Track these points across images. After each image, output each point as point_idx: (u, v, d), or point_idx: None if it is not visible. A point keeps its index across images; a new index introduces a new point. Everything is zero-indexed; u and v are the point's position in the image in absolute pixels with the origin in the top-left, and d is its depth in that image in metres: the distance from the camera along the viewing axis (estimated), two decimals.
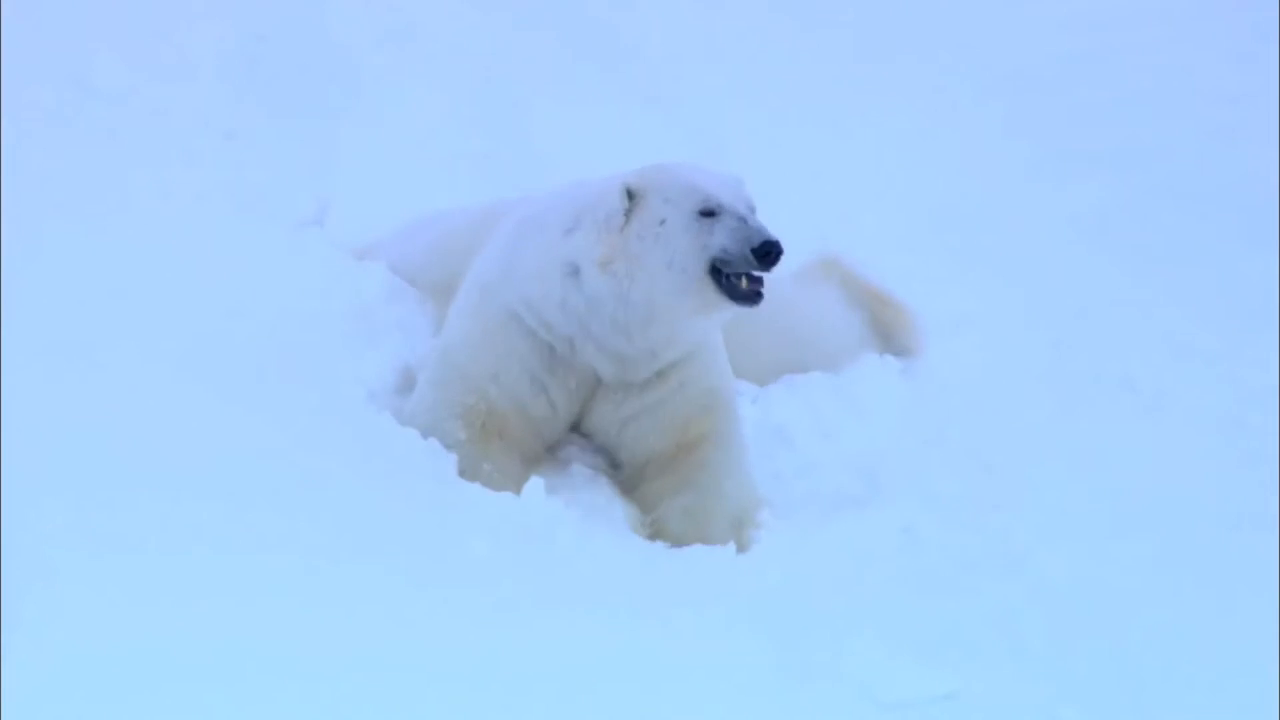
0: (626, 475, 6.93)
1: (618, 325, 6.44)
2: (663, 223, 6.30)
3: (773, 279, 6.54)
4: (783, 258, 6.30)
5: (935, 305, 9.24)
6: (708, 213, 6.31)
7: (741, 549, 6.80)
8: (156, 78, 10.18)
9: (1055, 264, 10.05)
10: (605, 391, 6.66)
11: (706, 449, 6.79)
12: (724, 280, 6.29)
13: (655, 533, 6.87)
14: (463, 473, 6.68)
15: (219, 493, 6.20)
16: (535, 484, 6.63)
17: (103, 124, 9.57)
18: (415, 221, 8.34)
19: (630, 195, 6.34)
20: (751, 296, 6.32)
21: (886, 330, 8.49)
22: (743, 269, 6.26)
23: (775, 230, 6.34)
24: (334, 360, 7.66)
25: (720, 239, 6.26)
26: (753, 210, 6.38)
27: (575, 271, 6.43)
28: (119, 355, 7.13)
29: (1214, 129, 11.40)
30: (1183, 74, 12.02)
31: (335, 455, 6.86)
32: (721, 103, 11.61)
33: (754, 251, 6.22)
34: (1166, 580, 7.03)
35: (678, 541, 6.79)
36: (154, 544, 5.72)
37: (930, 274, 9.74)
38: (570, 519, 6.76)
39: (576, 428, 6.91)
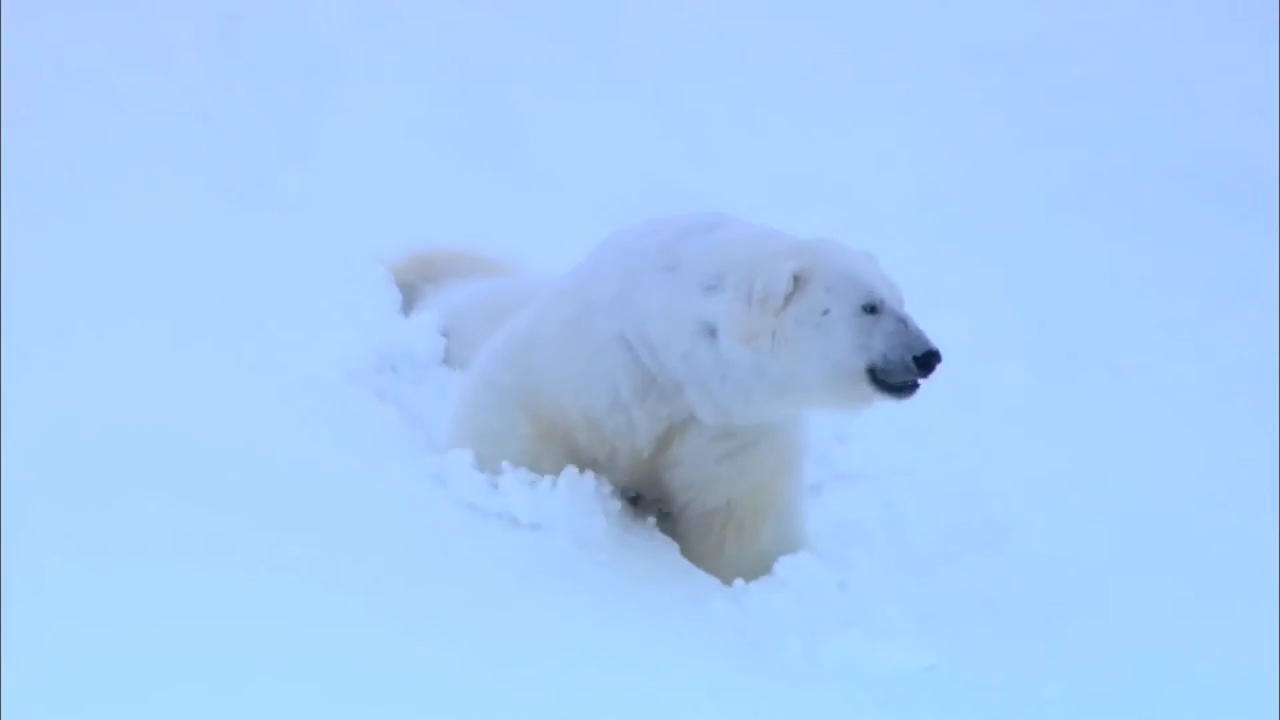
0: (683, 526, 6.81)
1: (741, 390, 6.30)
2: (826, 313, 6.19)
3: None
4: (940, 365, 6.27)
5: (913, 283, 9.22)
6: (870, 308, 6.27)
7: None
8: (134, 60, 10.14)
9: (1034, 241, 10.06)
10: (697, 423, 6.59)
11: (766, 531, 6.69)
12: (877, 378, 6.27)
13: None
14: (507, 456, 6.54)
15: (199, 480, 6.19)
16: (570, 473, 6.58)
17: (81, 106, 9.54)
18: (466, 299, 8.15)
19: (794, 279, 6.29)
20: (907, 388, 6.27)
21: None
22: (901, 376, 6.22)
23: (931, 335, 6.28)
24: (314, 340, 7.66)
25: (880, 344, 6.19)
26: (902, 303, 6.34)
27: (711, 333, 6.30)
28: (98, 337, 7.13)
29: (1193, 105, 11.41)
30: (1162, 49, 12.02)
31: (314, 434, 6.86)
32: (700, 85, 11.59)
33: (916, 360, 6.21)
34: (1149, 556, 7.05)
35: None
36: (133, 532, 5.70)
37: (908, 252, 9.67)
38: (551, 501, 6.75)
39: (660, 461, 6.75)
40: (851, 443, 7.66)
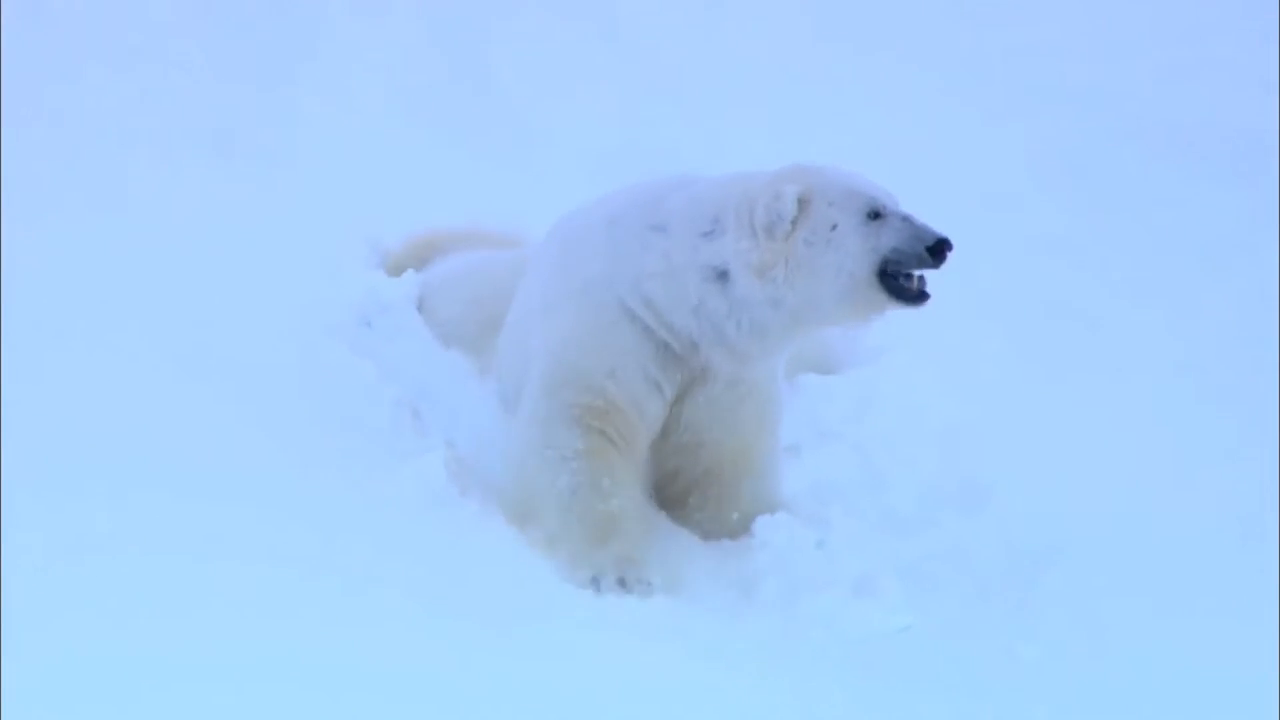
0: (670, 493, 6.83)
1: (757, 328, 6.33)
2: (834, 227, 6.22)
3: None
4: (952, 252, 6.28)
5: None
6: (875, 215, 6.28)
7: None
8: (114, 8, 10.08)
9: (1015, 202, 10.06)
10: (702, 385, 6.56)
11: (746, 489, 6.73)
12: (890, 282, 6.28)
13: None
14: (576, 490, 6.35)
15: (183, 458, 6.18)
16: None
17: (61, 60, 9.49)
18: (451, 274, 8.06)
19: (798, 202, 6.24)
20: (920, 296, 6.30)
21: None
22: (915, 267, 6.25)
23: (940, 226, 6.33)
24: (293, 293, 7.66)
25: (889, 240, 6.23)
26: (900, 205, 6.36)
27: (721, 276, 6.29)
28: (71, 295, 7.14)
29: (1177, 66, 11.39)
30: (1146, 9, 12.01)
31: (289, 389, 6.88)
32: (680, 41, 11.56)
33: (929, 250, 6.23)
34: (1128, 517, 7.08)
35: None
36: (121, 521, 5.66)
37: None
38: None
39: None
40: (825, 405, 7.67)
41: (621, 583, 6.21)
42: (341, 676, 4.97)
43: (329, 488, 6.33)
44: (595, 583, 6.21)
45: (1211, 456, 7.60)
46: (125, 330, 6.97)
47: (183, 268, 7.62)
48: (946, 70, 11.53)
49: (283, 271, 7.91)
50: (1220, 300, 8.99)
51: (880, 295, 6.29)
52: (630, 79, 10.89)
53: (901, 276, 6.27)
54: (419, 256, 8.35)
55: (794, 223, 6.27)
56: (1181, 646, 6.31)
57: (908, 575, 6.55)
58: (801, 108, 10.92)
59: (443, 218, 8.62)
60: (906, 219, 6.29)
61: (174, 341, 6.96)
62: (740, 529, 6.70)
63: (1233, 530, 7.09)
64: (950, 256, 6.28)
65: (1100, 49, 11.72)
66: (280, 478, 6.23)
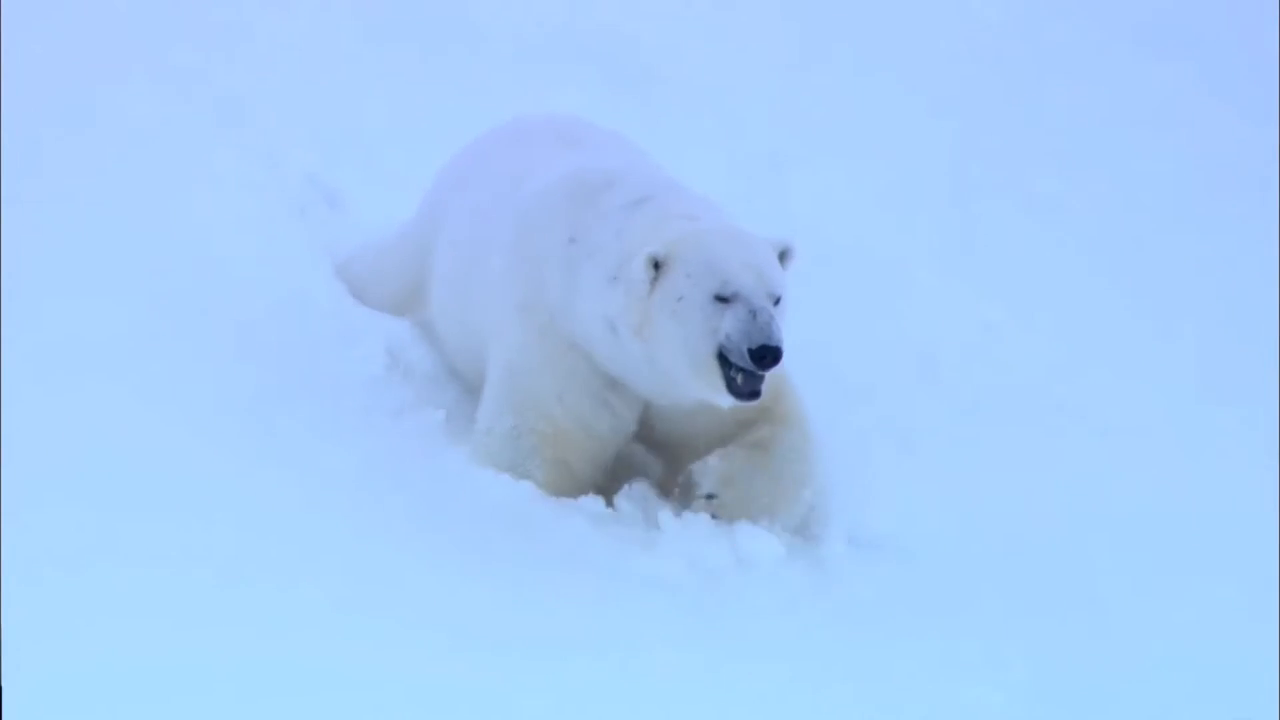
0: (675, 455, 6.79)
1: (651, 378, 6.35)
2: (680, 299, 6.18)
3: None
4: (780, 362, 6.13)
5: (834, 119, 9.27)
6: (723, 298, 6.21)
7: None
8: None
9: (952, 78, 10.05)
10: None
11: (775, 429, 6.63)
12: (727, 369, 6.18)
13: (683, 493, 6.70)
14: None
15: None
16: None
17: None
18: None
19: (656, 265, 6.21)
20: (746, 395, 6.19)
21: None
22: (738, 361, 6.15)
23: (781, 331, 6.12)
24: (233, 181, 7.68)
25: (727, 327, 6.15)
26: (774, 299, 6.23)
27: (613, 329, 6.34)
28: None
29: None
30: None
31: (231, 279, 6.90)
32: None
33: (750, 351, 6.14)
34: (1061, 384, 7.15)
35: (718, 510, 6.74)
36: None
37: (826, 85, 9.72)
38: None
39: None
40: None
41: None
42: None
43: (269, 380, 6.33)
44: None
45: (1147, 326, 7.71)
46: (65, 237, 6.95)
47: (134, 175, 7.59)
48: None
49: (220, 164, 7.88)
50: (1156, 172, 9.03)
51: (717, 379, 6.21)
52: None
53: (735, 368, 6.21)
54: None
55: (653, 285, 6.23)
56: (1123, 510, 6.42)
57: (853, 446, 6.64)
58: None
59: (381, 110, 8.60)
60: (753, 313, 6.16)
61: (126, 248, 6.94)
62: (768, 475, 6.61)
63: (1178, 395, 7.20)
64: (775, 369, 6.13)
65: None
66: (216, 370, 6.21)
